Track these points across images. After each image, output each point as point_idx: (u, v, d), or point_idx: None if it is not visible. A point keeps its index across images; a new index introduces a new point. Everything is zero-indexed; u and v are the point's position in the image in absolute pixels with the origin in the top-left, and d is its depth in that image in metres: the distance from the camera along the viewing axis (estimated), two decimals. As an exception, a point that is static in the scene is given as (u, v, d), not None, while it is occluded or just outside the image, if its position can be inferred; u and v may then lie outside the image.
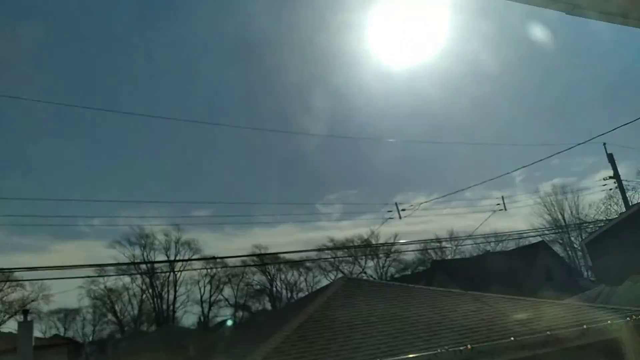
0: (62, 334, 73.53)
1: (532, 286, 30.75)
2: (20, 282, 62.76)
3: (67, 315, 79.79)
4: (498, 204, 17.68)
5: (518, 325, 8.63)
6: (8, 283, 61.65)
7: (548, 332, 8.20)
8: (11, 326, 59.06)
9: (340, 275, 62.57)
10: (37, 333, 42.98)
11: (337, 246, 70.75)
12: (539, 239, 40.43)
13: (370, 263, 74.89)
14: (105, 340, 78.41)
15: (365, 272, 72.10)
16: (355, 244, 68.68)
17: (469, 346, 7.56)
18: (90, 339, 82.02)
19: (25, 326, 40.72)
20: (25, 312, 42.83)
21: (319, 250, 56.52)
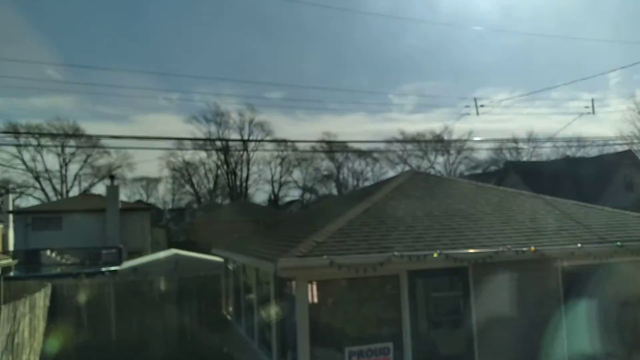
0: (144, 200, 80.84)
1: (610, 196, 29.48)
2: (106, 149, 68.12)
3: (149, 183, 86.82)
4: (586, 107, 16.37)
5: (587, 232, 8.44)
6: (95, 149, 67.35)
7: (618, 243, 7.99)
8: (100, 189, 65.55)
9: (407, 168, 62.64)
10: (122, 197, 47.27)
11: (407, 139, 70.19)
12: (625, 147, 37.68)
13: (440, 159, 74.06)
14: (183, 208, 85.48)
15: (433, 167, 71.77)
16: (427, 138, 67.74)
17: (532, 247, 7.55)
18: (170, 206, 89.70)
19: (112, 190, 45.04)
20: (112, 177, 47.07)
21: (388, 142, 56.33)
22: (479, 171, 66.55)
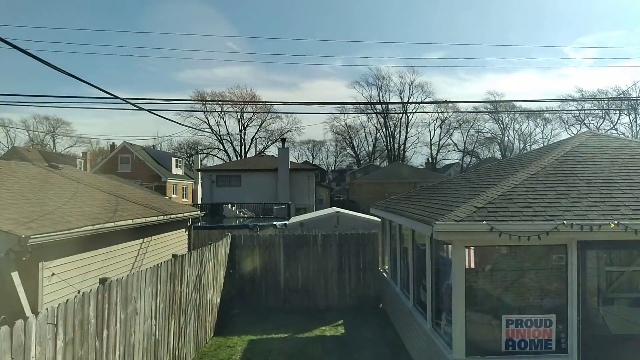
0: (310, 161, 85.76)
1: None
2: (278, 114, 73.38)
3: (314, 146, 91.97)
4: None
5: None
6: (269, 115, 72.98)
7: None
8: (272, 151, 71.21)
9: (585, 129, 56.23)
10: (291, 158, 50.93)
11: (585, 97, 62.63)
12: None
13: (625, 119, 65.03)
14: (345, 170, 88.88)
15: (616, 129, 63.24)
16: (609, 96, 59.67)
17: None
18: (333, 167, 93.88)
19: (283, 152, 48.65)
20: (283, 140, 50.72)
21: (562, 100, 50.95)
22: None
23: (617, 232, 6.42)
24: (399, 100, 77.64)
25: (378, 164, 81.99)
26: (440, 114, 74.56)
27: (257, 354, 9.79)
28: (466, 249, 6.81)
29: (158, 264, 7.63)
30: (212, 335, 10.98)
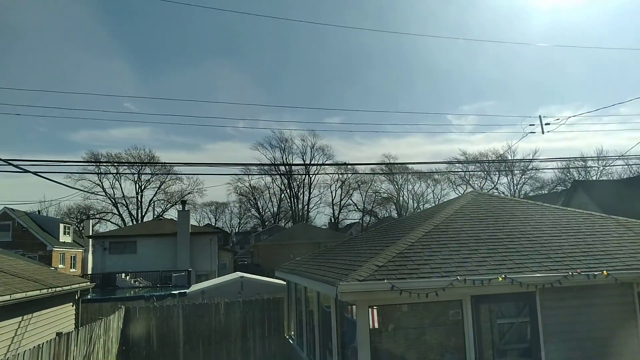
0: (212, 224, 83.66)
1: (695, 215, 27.28)
2: (178, 175, 71.44)
3: (217, 208, 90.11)
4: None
5: (667, 255, 7.90)
6: (169, 176, 70.80)
7: None
8: (172, 214, 68.60)
9: (470, 189, 61.03)
10: (192, 221, 49.28)
11: (469, 160, 68.54)
12: None
13: (504, 179, 71.78)
14: (249, 232, 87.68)
15: (497, 189, 69.45)
16: (489, 158, 65.82)
17: (605, 272, 7.16)
18: (237, 230, 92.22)
19: (183, 215, 46.91)
20: (183, 203, 49.09)
21: (449, 162, 55.32)
22: (544, 191, 63.76)
23: (504, 285, 6.89)
24: (302, 162, 79.54)
25: (283, 224, 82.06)
26: (340, 176, 77.26)
27: None
28: (370, 309, 6.89)
29: (39, 345, 6.83)
30: (101, 423, 9.87)
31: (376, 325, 7.06)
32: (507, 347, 7.54)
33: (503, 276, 6.92)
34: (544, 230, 8.87)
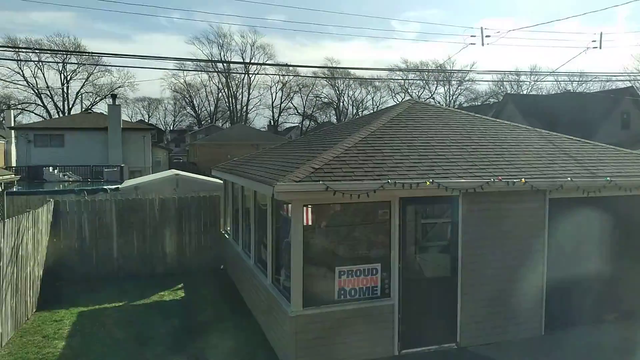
0: (146, 120, 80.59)
1: (607, 132, 29.48)
2: (108, 67, 66.92)
3: (150, 104, 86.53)
4: (594, 41, 16.04)
5: (579, 166, 8.60)
6: (97, 67, 66.23)
7: (608, 178, 8.17)
8: (102, 108, 65.14)
9: (408, 98, 61.83)
10: (124, 117, 47.20)
11: (409, 68, 68.79)
12: (627, 84, 37.13)
13: (441, 89, 73.30)
14: (184, 130, 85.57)
15: (433, 98, 70.98)
16: (429, 68, 66.38)
17: (523, 179, 7.74)
18: (171, 128, 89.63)
19: (114, 109, 44.89)
20: (114, 97, 46.71)
21: (390, 70, 55.29)
22: (478, 103, 66.02)
23: (431, 188, 7.32)
24: (241, 60, 76.58)
25: (220, 125, 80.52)
26: (281, 78, 75.52)
27: (88, 326, 9.16)
28: (304, 208, 7.15)
29: (-38, 236, 6.61)
30: (34, 310, 9.98)
31: (309, 223, 7.37)
32: (429, 244, 8.19)
33: (431, 180, 7.32)
34: (473, 140, 9.31)
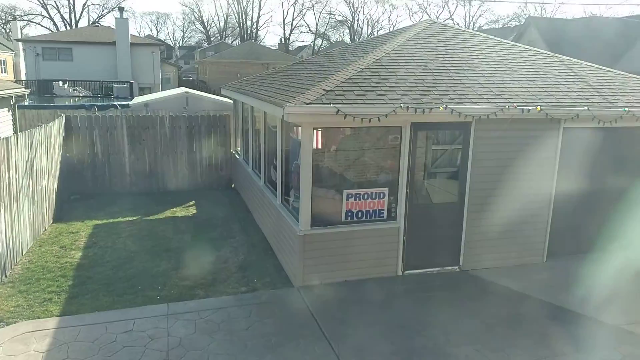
0: (154, 36, 78.64)
1: (632, 60, 28.39)
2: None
3: (159, 18, 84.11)
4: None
5: (597, 95, 8.37)
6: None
7: (626, 108, 7.96)
8: (109, 21, 63.28)
9: (426, 18, 59.37)
10: (132, 31, 46.04)
11: (430, -15, 65.30)
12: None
13: (461, 10, 70.14)
14: (194, 47, 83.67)
15: (452, 19, 68.08)
16: (450, -15, 63.03)
17: (538, 107, 7.57)
18: (180, 44, 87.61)
19: (121, 22, 43.73)
20: (121, 9, 45.25)
21: (409, -13, 52.57)
22: (498, 26, 63.29)
23: (444, 114, 7.20)
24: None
25: (230, 42, 78.48)
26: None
27: (103, 238, 9.51)
28: (314, 131, 7.11)
29: (-23, 148, 6.71)
30: (51, 222, 10.33)
31: (319, 146, 7.38)
32: (438, 170, 8.20)
33: (444, 106, 7.18)
34: (490, 64, 9.02)
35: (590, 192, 8.45)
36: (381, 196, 7.54)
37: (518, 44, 11.15)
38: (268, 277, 7.81)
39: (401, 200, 7.60)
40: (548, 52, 10.54)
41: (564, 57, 10.14)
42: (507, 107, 7.45)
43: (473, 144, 7.72)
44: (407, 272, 7.83)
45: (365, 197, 7.48)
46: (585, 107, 7.83)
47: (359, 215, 7.49)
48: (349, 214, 7.45)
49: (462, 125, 7.61)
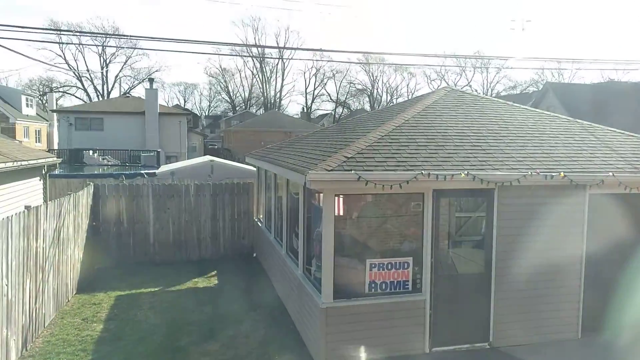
0: (182, 105, 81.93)
1: (655, 124, 28.22)
2: (146, 50, 68.02)
3: (187, 88, 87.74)
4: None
5: (621, 161, 8.26)
6: (135, 51, 67.48)
7: (654, 174, 7.81)
8: (139, 92, 66.48)
9: (444, 85, 60.75)
10: (161, 101, 48.04)
11: (446, 54, 67.42)
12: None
13: (479, 77, 71.71)
14: (219, 116, 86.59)
15: (470, 86, 69.45)
16: (466, 54, 64.85)
17: (562, 173, 7.49)
18: (207, 113, 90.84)
19: (151, 93, 45.60)
20: (151, 81, 47.45)
21: (425, 55, 54.30)
22: (516, 92, 64.19)
23: (466, 180, 7.16)
24: (276, 44, 76.69)
25: (254, 111, 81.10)
26: (315, 63, 75.26)
27: (125, 310, 9.45)
28: (336, 197, 7.12)
29: (8, 217, 6.89)
30: (74, 292, 10.35)
31: (341, 213, 7.35)
32: (462, 238, 8.05)
33: (466, 172, 7.16)
34: (510, 130, 9.06)
35: (624, 260, 8.11)
36: (405, 266, 7.38)
37: (537, 110, 11.23)
38: (289, 354, 7.56)
39: (426, 271, 7.42)
40: (568, 118, 10.57)
41: (585, 122, 10.14)
42: (529, 173, 7.39)
43: (497, 211, 7.59)
44: (434, 349, 7.45)
45: (389, 267, 7.33)
46: (610, 173, 7.71)
47: (383, 287, 7.31)
48: (373, 285, 7.28)
49: (485, 192, 7.53)
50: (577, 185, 7.65)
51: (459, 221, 7.96)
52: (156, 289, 10.83)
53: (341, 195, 7.25)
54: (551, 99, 34.71)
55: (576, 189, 7.73)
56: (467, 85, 69.77)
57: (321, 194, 7.29)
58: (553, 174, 7.47)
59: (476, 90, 66.29)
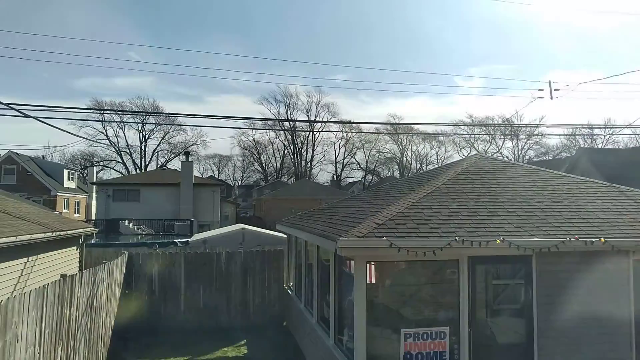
0: (216, 176, 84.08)
1: (698, 188, 27.24)
2: (182, 126, 71.32)
3: (221, 160, 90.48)
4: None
5: (666, 226, 7.94)
6: (173, 126, 70.67)
7: (701, 238, 7.46)
8: (175, 165, 68.89)
9: (474, 152, 60.80)
10: (196, 173, 49.49)
11: (474, 122, 67.95)
12: None
13: (509, 144, 71.56)
14: (252, 185, 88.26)
15: (501, 153, 69.22)
16: (496, 122, 65.24)
17: (602, 239, 7.23)
18: (239, 183, 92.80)
19: (187, 165, 47.12)
20: (187, 154, 49.26)
21: (455, 125, 54.84)
22: (549, 157, 63.55)
23: (502, 247, 6.98)
24: (306, 118, 79.09)
25: (285, 180, 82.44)
26: (344, 134, 76.84)
27: (154, 379, 9.27)
28: (367, 265, 7.02)
29: (44, 285, 7.00)
30: (104, 361, 10.25)
31: (373, 280, 7.22)
32: (501, 307, 7.72)
33: (501, 239, 6.99)
34: (545, 196, 8.91)
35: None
36: (442, 336, 7.08)
37: (571, 175, 11.06)
38: None
39: (464, 342, 7.09)
40: (604, 182, 10.35)
41: (622, 186, 9.90)
42: (568, 239, 7.16)
43: (536, 279, 7.31)
44: None
45: (425, 337, 7.04)
46: (655, 238, 7.41)
47: (419, 358, 6.98)
48: (408, 356, 6.96)
49: (522, 259, 7.30)
50: (619, 250, 7.35)
51: (496, 289, 7.67)
52: (186, 358, 10.66)
53: (373, 263, 7.14)
54: (585, 164, 34.13)
55: (618, 254, 7.41)
56: (497, 152, 69.55)
57: (352, 261, 7.20)
58: (593, 239, 7.22)
59: (507, 157, 65.94)
